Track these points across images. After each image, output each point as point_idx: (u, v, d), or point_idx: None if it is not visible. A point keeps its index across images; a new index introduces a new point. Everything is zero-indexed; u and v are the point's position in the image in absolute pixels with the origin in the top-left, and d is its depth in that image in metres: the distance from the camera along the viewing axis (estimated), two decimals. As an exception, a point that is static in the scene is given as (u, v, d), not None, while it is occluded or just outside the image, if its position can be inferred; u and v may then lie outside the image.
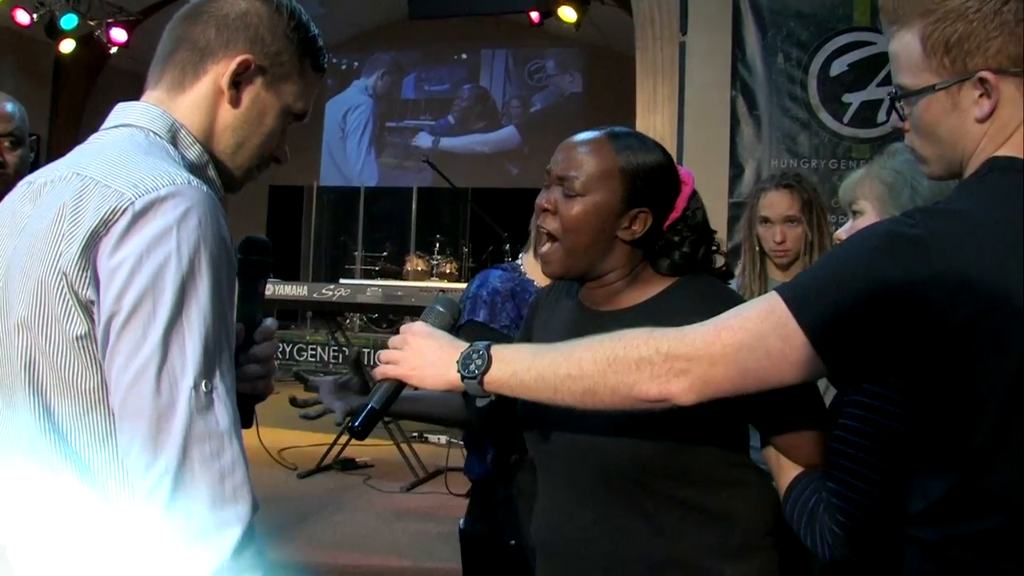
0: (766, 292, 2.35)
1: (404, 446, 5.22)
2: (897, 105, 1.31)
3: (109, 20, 8.61)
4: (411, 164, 12.06)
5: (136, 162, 1.17)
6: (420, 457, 5.19)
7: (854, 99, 5.43)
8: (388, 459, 5.38)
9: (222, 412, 1.11)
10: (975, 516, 1.17)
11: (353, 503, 4.70)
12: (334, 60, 12.83)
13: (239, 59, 1.28)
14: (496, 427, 1.85)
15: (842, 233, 1.79)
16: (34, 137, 2.53)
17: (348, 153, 12.79)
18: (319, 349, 8.95)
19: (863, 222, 1.71)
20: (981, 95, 1.21)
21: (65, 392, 1.14)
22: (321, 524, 4.31)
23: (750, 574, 1.53)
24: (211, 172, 1.31)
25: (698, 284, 1.59)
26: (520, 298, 2.10)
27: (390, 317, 9.28)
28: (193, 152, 1.29)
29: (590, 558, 1.56)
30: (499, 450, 2.13)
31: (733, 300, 1.51)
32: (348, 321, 9.15)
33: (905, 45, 1.26)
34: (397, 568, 3.74)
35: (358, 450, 5.47)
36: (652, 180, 1.54)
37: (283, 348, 8.41)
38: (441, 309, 1.54)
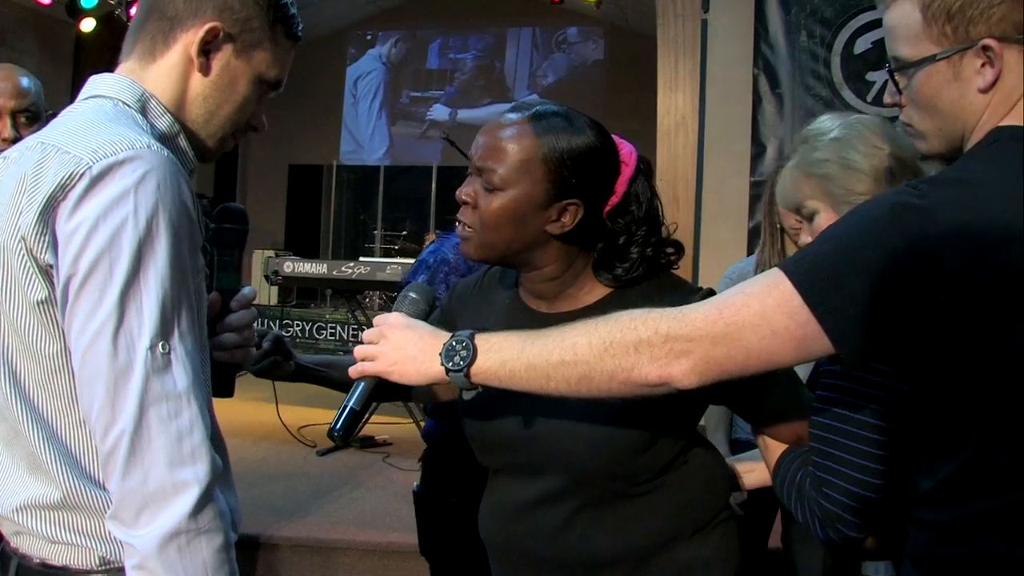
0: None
1: (423, 424, 5.23)
2: (894, 78, 1.27)
3: (129, -2, 8.61)
4: (431, 134, 12.00)
5: (98, 129, 1.18)
6: (439, 436, 5.21)
7: (878, 77, 5.37)
8: (407, 437, 5.39)
9: (180, 373, 1.12)
10: (988, 494, 1.15)
11: (372, 480, 4.71)
12: (358, 32, 12.80)
13: (207, 26, 1.28)
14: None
15: (806, 237, 1.68)
16: (50, 112, 2.54)
17: (359, 119, 12.76)
18: (338, 327, 8.96)
19: (823, 220, 1.64)
20: (984, 64, 1.18)
21: (30, 358, 1.16)
22: (340, 501, 4.33)
23: (709, 550, 1.51)
24: (183, 142, 1.32)
25: (653, 281, 1.50)
26: (476, 267, 2.00)
27: (409, 295, 9.23)
28: (163, 122, 1.29)
29: (543, 561, 1.51)
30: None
31: (693, 294, 1.44)
32: (368, 300, 9.16)
33: (903, 14, 1.22)
34: (415, 545, 3.75)
35: (377, 428, 5.48)
36: (581, 167, 1.42)
37: (302, 326, 8.41)
38: (415, 296, 1.44)
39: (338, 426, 1.39)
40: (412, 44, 12.74)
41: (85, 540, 1.18)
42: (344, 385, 1.80)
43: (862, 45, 5.40)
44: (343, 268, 5.72)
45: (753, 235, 5.50)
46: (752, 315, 1.14)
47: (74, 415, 1.16)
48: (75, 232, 1.10)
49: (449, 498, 2.05)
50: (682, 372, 1.17)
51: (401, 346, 1.34)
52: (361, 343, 1.37)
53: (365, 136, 12.73)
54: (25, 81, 2.41)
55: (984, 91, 1.19)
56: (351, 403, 1.38)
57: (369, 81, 12.77)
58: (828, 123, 1.68)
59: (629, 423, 1.42)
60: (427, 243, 9.98)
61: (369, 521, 4.02)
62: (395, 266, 5.78)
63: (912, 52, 1.23)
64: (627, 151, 1.49)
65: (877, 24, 5.33)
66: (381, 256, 10.39)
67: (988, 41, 1.16)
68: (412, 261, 7.20)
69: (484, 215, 1.43)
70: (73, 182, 1.11)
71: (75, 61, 9.76)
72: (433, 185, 11.71)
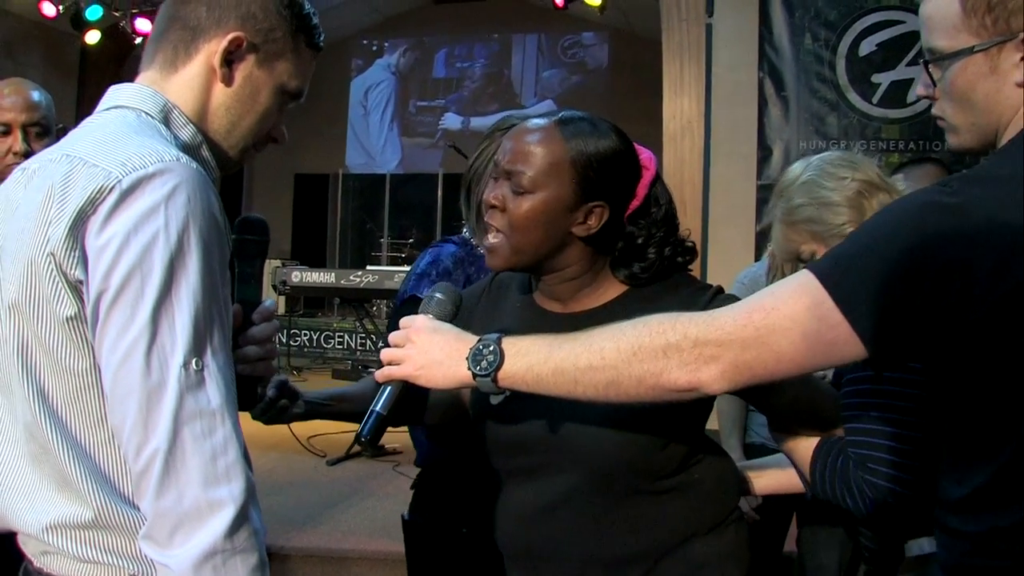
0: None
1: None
2: (928, 70, 1.24)
3: (134, 11, 8.63)
4: (440, 144, 12.00)
5: (125, 141, 1.16)
6: (448, 443, 5.19)
7: (883, 79, 5.36)
8: (417, 445, 5.38)
9: (214, 390, 1.10)
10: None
11: (382, 489, 4.70)
12: (364, 42, 12.80)
13: (230, 36, 1.27)
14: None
15: None
16: (61, 127, 2.54)
17: (371, 130, 12.71)
18: (346, 336, 8.95)
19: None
20: (1023, 57, 1.15)
21: (58, 374, 1.14)
22: (351, 511, 4.32)
23: (723, 548, 1.52)
24: (205, 152, 1.30)
25: (671, 281, 1.52)
26: (475, 279, 1.97)
27: (417, 303, 9.24)
28: (186, 132, 1.28)
29: (565, 562, 1.51)
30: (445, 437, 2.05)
31: (704, 291, 1.49)
32: (375, 308, 9.18)
33: (941, 5, 1.20)
34: (427, 554, 3.74)
35: (386, 436, 5.43)
36: (607, 169, 1.45)
37: (310, 336, 8.43)
38: (441, 297, 1.44)
39: (365, 431, 1.38)
40: (420, 53, 12.75)
41: (116, 559, 1.16)
42: (357, 417, 1.79)
43: (867, 47, 5.39)
44: (351, 277, 5.72)
45: (761, 238, 5.48)
46: (782, 319, 1.13)
47: (103, 432, 1.14)
48: (106, 247, 1.08)
49: (457, 528, 1.99)
50: (711, 377, 1.16)
51: (427, 350, 1.34)
52: (381, 349, 1.37)
53: (377, 148, 12.71)
54: (36, 95, 2.41)
55: (1022, 85, 1.16)
56: (377, 408, 1.37)
57: (380, 92, 12.75)
58: (796, 170, 1.82)
59: (648, 420, 1.43)
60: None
61: (381, 530, 4.01)
62: (403, 275, 5.77)
63: (949, 44, 1.20)
64: (647, 156, 1.52)
65: (881, 26, 5.36)
66: (388, 265, 10.39)
67: None
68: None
69: (514, 217, 1.45)
70: (103, 196, 1.09)
71: (80, 74, 9.79)
72: (439, 192, 11.72)
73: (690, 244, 1.56)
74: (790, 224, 1.80)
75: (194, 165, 1.15)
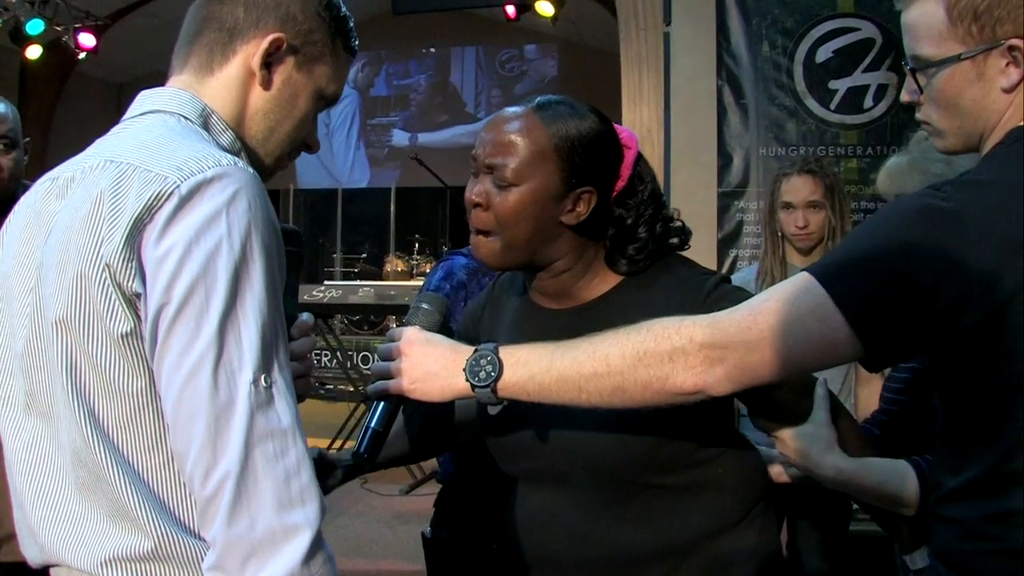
0: (787, 276, 2.36)
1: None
2: (914, 77, 1.27)
3: (76, 25, 8.45)
4: (394, 163, 11.89)
5: (175, 145, 1.09)
6: (416, 458, 5.15)
7: (840, 85, 5.42)
8: (383, 462, 5.33)
9: (283, 407, 1.03)
10: (1016, 492, 1.14)
11: (353, 507, 4.63)
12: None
13: (271, 37, 1.22)
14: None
15: None
16: (27, 140, 2.46)
17: (335, 150, 12.43)
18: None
19: None
20: (1008, 64, 1.19)
21: (111, 396, 1.05)
22: (323, 530, 4.24)
23: (751, 541, 1.48)
24: (244, 159, 1.23)
25: (665, 263, 1.48)
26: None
27: (371, 318, 9.23)
28: (226, 138, 1.22)
29: (583, 566, 1.48)
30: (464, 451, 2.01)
31: (707, 276, 1.45)
32: (330, 322, 9.08)
33: (926, 13, 1.23)
34: (405, 572, 3.68)
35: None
36: (591, 152, 1.41)
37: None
38: (427, 307, 1.41)
39: (362, 449, 1.36)
40: (376, 67, 12.59)
41: None
42: (400, 460, 1.70)
43: (823, 54, 5.44)
44: (314, 292, 5.64)
45: (723, 245, 5.51)
46: (785, 321, 1.15)
47: (160, 457, 1.06)
48: (166, 258, 1.01)
49: (486, 545, 1.95)
50: (716, 379, 1.19)
51: (421, 362, 1.31)
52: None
53: (344, 168, 12.40)
54: (1, 107, 2.35)
55: (1008, 91, 1.20)
56: (372, 424, 1.36)
57: (344, 110, 12.49)
58: None
59: (650, 414, 1.38)
60: (388, 265, 9.90)
61: (355, 549, 3.95)
62: (367, 288, 5.70)
63: (935, 51, 1.23)
64: (627, 135, 1.49)
65: (837, 33, 5.43)
66: (341, 280, 10.31)
67: (1015, 41, 1.18)
68: (385, 283, 7.13)
69: (500, 213, 1.41)
70: (160, 202, 1.02)
71: (21, 90, 9.56)
72: (392, 207, 11.65)
73: (679, 223, 1.52)
74: (917, 169, 1.80)
75: (251, 170, 1.09)
